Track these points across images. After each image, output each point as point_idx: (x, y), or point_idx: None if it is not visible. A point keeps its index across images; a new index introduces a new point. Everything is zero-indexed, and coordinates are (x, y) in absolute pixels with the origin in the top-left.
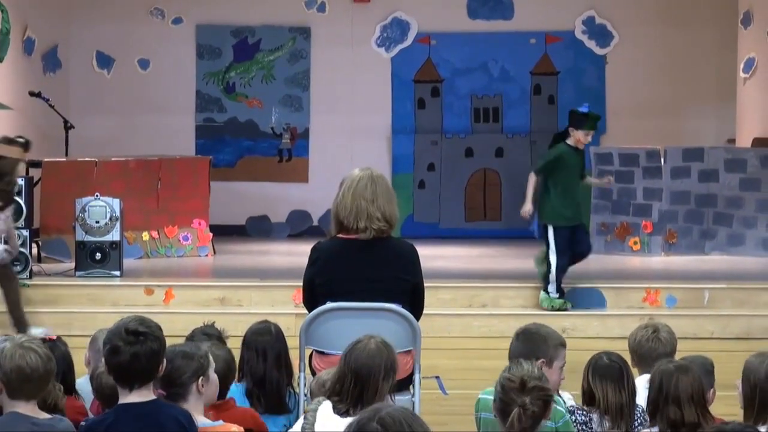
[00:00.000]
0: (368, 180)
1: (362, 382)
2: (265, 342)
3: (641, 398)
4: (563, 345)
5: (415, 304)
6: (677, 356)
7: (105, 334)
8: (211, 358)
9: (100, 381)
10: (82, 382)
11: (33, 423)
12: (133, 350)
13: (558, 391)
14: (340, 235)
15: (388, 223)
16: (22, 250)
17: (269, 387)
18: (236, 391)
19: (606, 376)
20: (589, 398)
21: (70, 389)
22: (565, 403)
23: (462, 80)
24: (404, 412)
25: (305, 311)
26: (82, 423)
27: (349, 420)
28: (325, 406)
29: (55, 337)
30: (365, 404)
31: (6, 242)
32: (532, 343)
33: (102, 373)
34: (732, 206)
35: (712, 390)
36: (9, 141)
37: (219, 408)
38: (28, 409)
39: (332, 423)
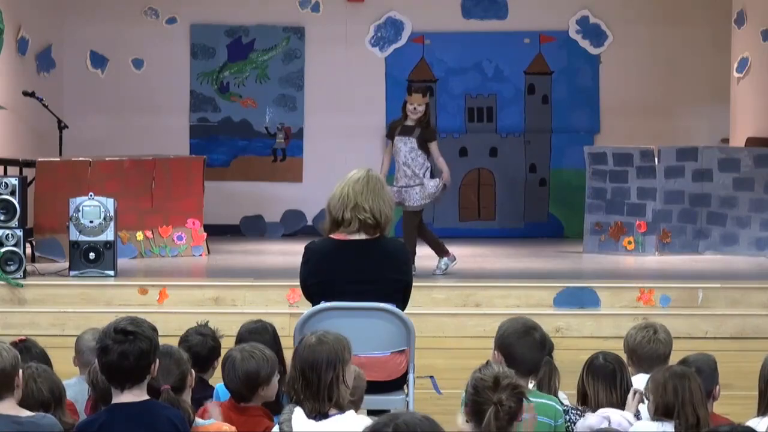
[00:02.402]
0: (360, 176)
1: (306, 378)
2: (263, 341)
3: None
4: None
5: (403, 301)
6: (673, 356)
7: (89, 335)
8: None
9: (96, 377)
10: (72, 383)
11: (14, 422)
12: (122, 349)
13: (557, 390)
14: (332, 236)
15: (374, 217)
16: (15, 249)
17: None
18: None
19: (599, 375)
20: (583, 397)
21: None
22: (561, 403)
23: (456, 80)
24: (420, 419)
25: (300, 311)
26: (75, 425)
27: (324, 423)
28: (298, 413)
29: (22, 338)
30: (312, 399)
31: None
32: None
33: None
34: (726, 206)
35: (717, 387)
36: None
37: (243, 411)
38: (8, 407)
39: (307, 427)
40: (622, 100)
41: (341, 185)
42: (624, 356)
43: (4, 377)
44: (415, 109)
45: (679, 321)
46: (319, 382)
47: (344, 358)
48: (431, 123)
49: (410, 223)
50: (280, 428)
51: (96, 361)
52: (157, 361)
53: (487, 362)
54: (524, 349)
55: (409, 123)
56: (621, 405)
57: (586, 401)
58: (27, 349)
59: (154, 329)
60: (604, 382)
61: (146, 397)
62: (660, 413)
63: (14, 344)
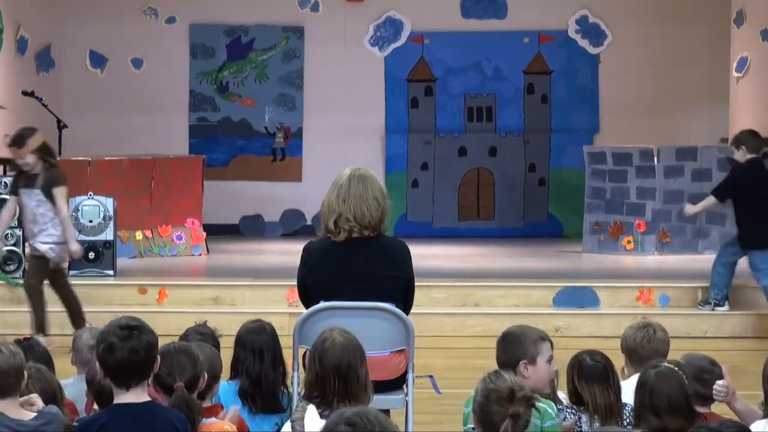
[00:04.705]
0: (346, 180)
1: (344, 378)
2: (261, 341)
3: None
4: (543, 338)
5: (405, 300)
6: (671, 355)
7: (87, 333)
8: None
9: (102, 385)
10: (71, 383)
11: (18, 423)
12: (131, 345)
13: (556, 390)
14: (329, 235)
15: (359, 224)
16: (15, 249)
17: (266, 387)
18: (229, 389)
19: (592, 377)
20: (576, 399)
21: None
22: (562, 402)
23: (455, 79)
24: (371, 410)
25: (299, 310)
26: (74, 423)
27: None
28: (311, 412)
29: (27, 337)
30: (351, 398)
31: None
32: (510, 348)
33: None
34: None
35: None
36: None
37: (208, 410)
38: (7, 406)
39: (320, 427)
40: (622, 100)
41: (327, 193)
42: (616, 355)
43: (12, 377)
44: (24, 163)
45: (679, 321)
46: (357, 378)
47: (365, 352)
48: (56, 165)
49: (36, 269)
50: (292, 427)
51: (97, 363)
52: (158, 357)
53: (496, 371)
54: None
55: (34, 171)
56: (616, 403)
57: (581, 402)
58: (30, 348)
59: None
60: (599, 384)
61: (147, 398)
62: (636, 414)
63: (18, 342)
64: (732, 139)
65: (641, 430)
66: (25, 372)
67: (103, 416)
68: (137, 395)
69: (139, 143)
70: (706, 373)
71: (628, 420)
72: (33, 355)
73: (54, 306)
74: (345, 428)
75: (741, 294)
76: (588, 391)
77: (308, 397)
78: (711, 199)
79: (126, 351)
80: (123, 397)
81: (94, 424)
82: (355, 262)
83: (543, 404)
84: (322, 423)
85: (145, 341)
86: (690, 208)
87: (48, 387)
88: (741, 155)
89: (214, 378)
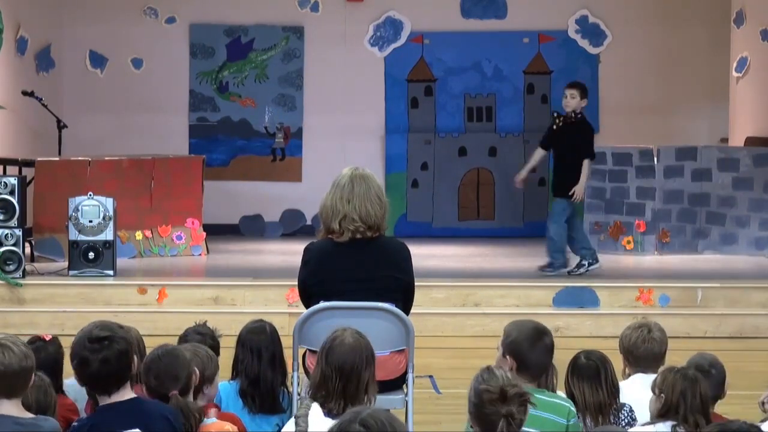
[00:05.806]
0: (348, 180)
1: (346, 378)
2: (260, 341)
3: (642, 397)
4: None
5: (405, 302)
6: (671, 355)
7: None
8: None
9: None
10: (73, 383)
11: (16, 423)
12: (102, 356)
13: (555, 389)
14: (330, 236)
15: (365, 223)
16: (15, 249)
17: (263, 387)
18: (230, 389)
19: (582, 375)
20: (571, 398)
21: (58, 389)
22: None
23: (455, 79)
24: (384, 412)
25: (299, 310)
26: (74, 424)
27: None
28: (315, 410)
29: (49, 337)
30: (349, 399)
31: None
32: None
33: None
34: (725, 205)
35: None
36: None
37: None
38: (11, 407)
39: (324, 425)
40: (622, 100)
41: (329, 194)
42: (614, 355)
43: (17, 379)
44: None
45: (679, 321)
46: (358, 381)
47: (374, 356)
48: None
49: None
50: (296, 423)
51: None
52: (135, 358)
53: (488, 368)
54: (538, 355)
55: None
56: (608, 403)
57: (575, 401)
58: (38, 349)
59: (122, 327)
60: (588, 381)
61: (132, 395)
62: (664, 411)
63: (34, 340)
64: (573, 83)
65: (680, 428)
66: (33, 375)
67: (92, 419)
68: (121, 396)
69: (139, 143)
70: (702, 373)
71: (626, 420)
72: (44, 354)
73: (53, 306)
74: (359, 428)
75: (741, 294)
76: (578, 388)
77: (313, 396)
78: (540, 153)
79: (98, 363)
80: (108, 400)
81: (82, 428)
82: (357, 263)
83: (565, 403)
84: (326, 421)
85: (116, 350)
86: (521, 175)
87: (43, 399)
88: (577, 104)
89: (207, 380)
